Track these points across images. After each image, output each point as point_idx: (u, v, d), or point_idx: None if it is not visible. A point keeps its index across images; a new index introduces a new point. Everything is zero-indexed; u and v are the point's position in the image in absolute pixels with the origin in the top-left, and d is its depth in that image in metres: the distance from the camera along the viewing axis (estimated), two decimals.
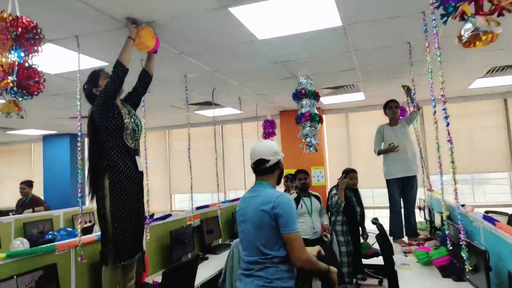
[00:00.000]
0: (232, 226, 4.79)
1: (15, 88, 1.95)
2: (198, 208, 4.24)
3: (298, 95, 3.61)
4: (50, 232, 4.69)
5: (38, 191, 8.80)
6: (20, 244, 4.20)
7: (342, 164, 6.32)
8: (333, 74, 4.49)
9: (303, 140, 3.60)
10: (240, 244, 2.16)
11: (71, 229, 4.93)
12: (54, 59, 3.33)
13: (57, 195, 7.92)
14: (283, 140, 6.95)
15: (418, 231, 4.23)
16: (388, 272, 3.55)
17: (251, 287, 1.90)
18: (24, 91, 1.95)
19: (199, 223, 4.06)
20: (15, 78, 1.90)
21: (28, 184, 5.72)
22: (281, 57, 3.70)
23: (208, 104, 5.78)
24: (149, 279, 3.02)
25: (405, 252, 3.52)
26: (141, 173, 2.48)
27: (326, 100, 6.02)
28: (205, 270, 3.28)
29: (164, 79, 4.26)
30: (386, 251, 3.65)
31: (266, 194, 1.99)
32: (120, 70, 2.33)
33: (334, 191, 4.25)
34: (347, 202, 4.18)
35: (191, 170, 4.13)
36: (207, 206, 4.48)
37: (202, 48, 3.29)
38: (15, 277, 2.06)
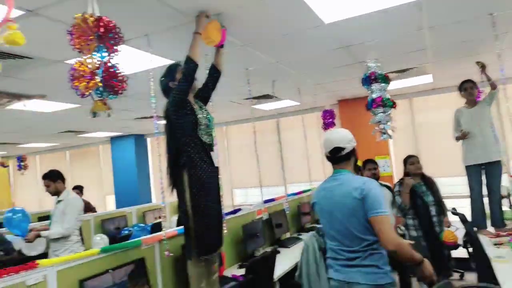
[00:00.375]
0: (299, 219, 4.71)
1: (101, 88, 2.01)
2: (265, 201, 4.21)
3: (367, 80, 3.42)
4: (126, 228, 4.94)
5: (108, 190, 9.38)
6: (100, 239, 4.45)
7: (409, 153, 5.97)
8: (400, 57, 4.22)
9: (376, 128, 3.40)
10: (326, 234, 2.10)
11: (143, 225, 5.17)
12: (123, 60, 3.43)
13: (126, 193, 8.37)
14: None
15: (505, 220, 3.86)
16: (479, 265, 3.26)
17: (357, 276, 1.88)
18: (109, 90, 2.01)
19: (268, 216, 4.03)
20: (102, 78, 1.96)
21: (79, 189, 6.04)
22: (346, 42, 3.53)
23: (266, 97, 5.72)
24: (226, 273, 3.04)
25: (496, 244, 3.21)
26: (217, 168, 2.47)
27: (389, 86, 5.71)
28: (280, 264, 3.23)
29: (225, 74, 4.25)
30: (475, 243, 3.36)
31: (352, 181, 1.98)
32: (191, 66, 2.33)
33: (397, 188, 3.97)
34: (414, 193, 3.90)
35: (259, 164, 4.10)
36: (273, 199, 4.44)
37: (267, 38, 3.23)
38: (110, 271, 2.15)
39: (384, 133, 3.32)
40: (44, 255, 3.67)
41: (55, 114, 5.46)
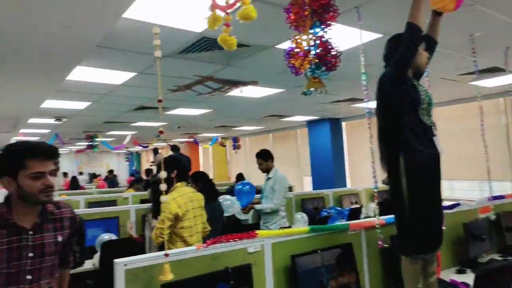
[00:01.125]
0: None
1: (313, 65, 1.96)
2: (494, 198, 3.44)
3: None
4: (324, 210, 5.02)
5: (305, 172, 9.90)
6: (301, 217, 4.65)
7: None
8: None
9: None
10: None
11: (340, 209, 5.13)
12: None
13: (322, 176, 8.61)
14: None
15: None
16: None
17: None
18: (323, 66, 1.94)
19: (495, 216, 3.27)
20: (316, 54, 1.91)
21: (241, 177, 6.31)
22: None
23: (491, 71, 4.67)
24: (443, 276, 2.61)
25: None
26: (439, 154, 2.08)
27: None
28: None
29: (439, 44, 3.64)
30: None
31: None
32: (414, 34, 1.98)
33: None
34: None
35: (486, 153, 3.38)
36: (502, 196, 3.59)
37: None
38: (319, 251, 2.12)
39: None
40: (255, 226, 4.09)
41: (263, 99, 6.02)
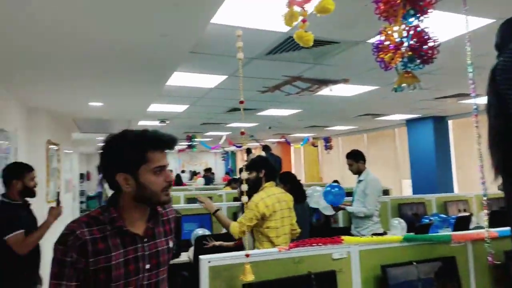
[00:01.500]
0: None
1: (405, 59, 1.78)
2: None
3: None
4: (425, 216, 4.59)
5: (404, 174, 9.19)
6: (398, 224, 4.32)
7: None
8: None
9: None
10: None
11: (445, 216, 4.63)
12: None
13: (423, 179, 7.89)
14: None
15: None
16: None
17: None
18: (417, 59, 1.74)
19: None
20: (409, 46, 1.72)
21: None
22: None
23: None
24: None
25: None
26: None
27: None
28: None
29: None
30: None
31: None
32: None
33: None
34: None
35: None
36: None
37: None
38: (414, 263, 1.92)
39: None
40: (346, 230, 3.93)
41: (355, 97, 5.75)
